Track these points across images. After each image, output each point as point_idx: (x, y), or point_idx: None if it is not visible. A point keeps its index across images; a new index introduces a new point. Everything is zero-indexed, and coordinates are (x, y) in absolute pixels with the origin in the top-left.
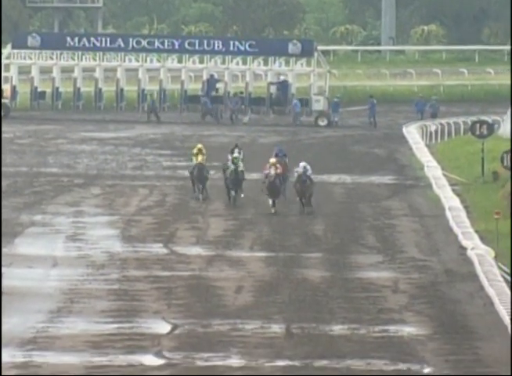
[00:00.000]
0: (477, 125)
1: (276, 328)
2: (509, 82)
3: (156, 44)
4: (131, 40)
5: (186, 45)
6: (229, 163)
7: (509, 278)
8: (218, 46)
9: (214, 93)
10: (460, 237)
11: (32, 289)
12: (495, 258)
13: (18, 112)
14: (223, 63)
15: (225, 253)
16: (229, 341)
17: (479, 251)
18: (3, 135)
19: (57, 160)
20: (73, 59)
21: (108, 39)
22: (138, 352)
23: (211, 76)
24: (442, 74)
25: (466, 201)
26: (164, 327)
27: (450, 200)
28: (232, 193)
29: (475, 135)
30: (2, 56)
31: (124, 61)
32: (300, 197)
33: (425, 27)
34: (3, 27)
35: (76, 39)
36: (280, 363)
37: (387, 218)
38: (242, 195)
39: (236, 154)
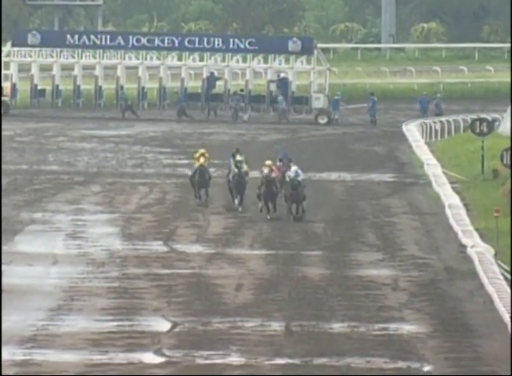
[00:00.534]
0: (477, 123)
1: (276, 326)
2: (509, 80)
3: (156, 42)
4: (131, 38)
5: (186, 43)
6: (232, 166)
7: (509, 276)
8: (218, 44)
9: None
10: (460, 235)
11: (32, 287)
12: (495, 256)
13: (18, 110)
14: (223, 60)
15: (225, 251)
16: (229, 339)
17: (479, 249)
18: (3, 133)
19: (57, 157)
20: (73, 57)
21: (108, 37)
22: (138, 350)
23: (211, 74)
24: (442, 71)
25: (466, 199)
26: (163, 325)
27: (450, 198)
28: (236, 201)
29: (475, 133)
30: (2, 54)
31: (124, 59)
32: (290, 203)
33: (425, 25)
34: (3, 24)
35: (76, 37)
36: (280, 361)
37: (386, 216)
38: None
39: (239, 158)
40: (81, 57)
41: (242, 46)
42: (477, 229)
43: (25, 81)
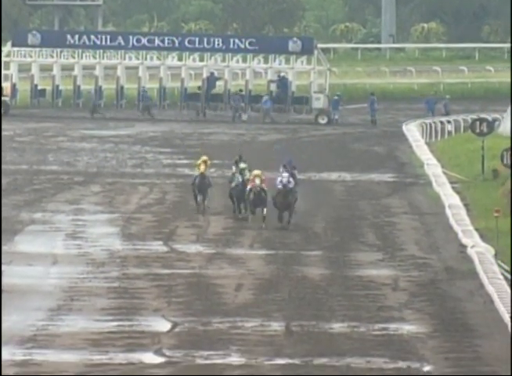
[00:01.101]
0: (477, 123)
1: (276, 326)
2: (509, 80)
3: (157, 42)
4: (131, 38)
5: (186, 43)
6: (237, 174)
7: (509, 276)
8: (218, 44)
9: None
10: (460, 235)
11: (32, 287)
12: (495, 256)
13: (18, 110)
14: (223, 60)
15: (225, 251)
16: (229, 339)
17: (479, 249)
18: (3, 133)
19: (57, 157)
20: (74, 57)
21: (108, 37)
22: (138, 350)
23: (211, 74)
24: (442, 71)
25: (466, 199)
26: (163, 325)
27: (450, 198)
28: (242, 210)
29: (475, 133)
30: (2, 54)
31: (124, 59)
32: (280, 211)
33: (425, 25)
34: (3, 24)
35: (76, 37)
36: (280, 361)
37: (387, 216)
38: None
39: (243, 165)
40: (81, 57)
41: (242, 46)
42: (477, 229)
43: (25, 81)
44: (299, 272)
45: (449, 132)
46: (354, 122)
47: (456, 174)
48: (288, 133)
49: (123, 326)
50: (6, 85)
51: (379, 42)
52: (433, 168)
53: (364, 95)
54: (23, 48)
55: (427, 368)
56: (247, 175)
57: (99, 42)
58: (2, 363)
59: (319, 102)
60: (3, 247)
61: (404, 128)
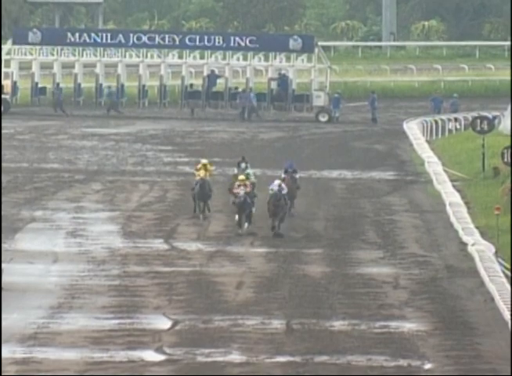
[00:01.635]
0: (478, 121)
1: (277, 324)
2: (509, 78)
3: (157, 39)
4: (131, 35)
5: (187, 41)
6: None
7: (509, 273)
8: (219, 42)
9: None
10: (461, 233)
11: (33, 285)
12: (496, 253)
13: (19, 108)
14: (224, 58)
15: (226, 249)
16: (230, 336)
17: (480, 247)
18: (4, 131)
19: (58, 155)
20: (74, 55)
21: (109, 35)
22: (139, 347)
23: (212, 72)
24: (443, 69)
25: (466, 197)
26: (164, 323)
27: (451, 196)
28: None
29: (476, 131)
30: (3, 52)
31: (125, 57)
32: (272, 217)
33: (426, 23)
34: (3, 22)
35: (77, 35)
36: (281, 358)
37: (387, 214)
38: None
39: (248, 170)
40: (82, 55)
41: (242, 44)
42: (477, 227)
43: (26, 79)
44: (300, 270)
45: (450, 130)
46: (354, 120)
47: (456, 172)
48: (289, 131)
49: (123, 324)
50: (7, 83)
51: (379, 40)
52: (433, 165)
53: (365, 93)
54: (23, 46)
55: (427, 366)
56: (252, 178)
57: (99, 40)
58: (3, 360)
59: (320, 100)
60: (4, 246)
61: (405, 126)
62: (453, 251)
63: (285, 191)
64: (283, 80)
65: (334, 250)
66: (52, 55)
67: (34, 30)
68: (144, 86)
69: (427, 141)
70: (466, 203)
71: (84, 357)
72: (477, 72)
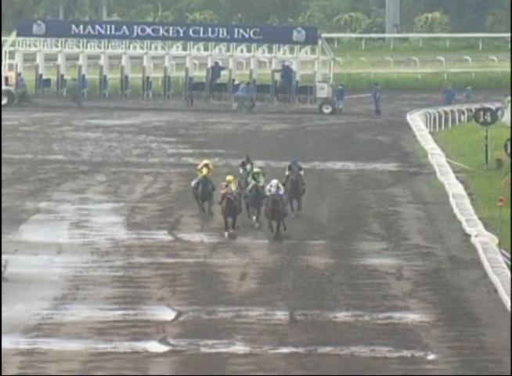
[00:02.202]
0: (481, 113)
1: (280, 315)
2: None
3: (161, 31)
4: (135, 27)
5: (191, 33)
6: (249, 178)
7: (509, 263)
8: (223, 34)
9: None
10: (464, 224)
11: (37, 276)
12: (499, 244)
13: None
14: (228, 50)
15: (230, 240)
16: (234, 328)
17: (483, 238)
18: (8, 123)
19: (62, 147)
20: (78, 47)
21: (113, 27)
22: (143, 338)
23: (216, 63)
24: (446, 61)
25: (470, 188)
26: (168, 314)
27: (454, 188)
28: (254, 217)
29: (479, 123)
30: (7, 44)
31: (129, 49)
32: (270, 220)
33: (429, 15)
34: (8, 14)
35: (81, 27)
36: (284, 349)
37: (391, 205)
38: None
39: (256, 170)
40: (86, 47)
41: (246, 36)
42: (481, 219)
43: (30, 71)
44: (303, 261)
45: (453, 121)
46: (358, 112)
47: (460, 163)
48: (292, 123)
49: (127, 315)
50: (11, 75)
51: (383, 32)
52: (437, 157)
53: (368, 84)
54: (28, 38)
55: (430, 357)
56: (261, 180)
57: (103, 32)
58: (8, 352)
59: (324, 91)
60: (8, 237)
61: (408, 117)
62: (456, 242)
63: (282, 191)
64: (286, 72)
65: (338, 241)
66: (57, 47)
67: (39, 22)
68: (148, 78)
69: (431, 132)
70: (470, 194)
71: (88, 348)
72: (481, 64)
